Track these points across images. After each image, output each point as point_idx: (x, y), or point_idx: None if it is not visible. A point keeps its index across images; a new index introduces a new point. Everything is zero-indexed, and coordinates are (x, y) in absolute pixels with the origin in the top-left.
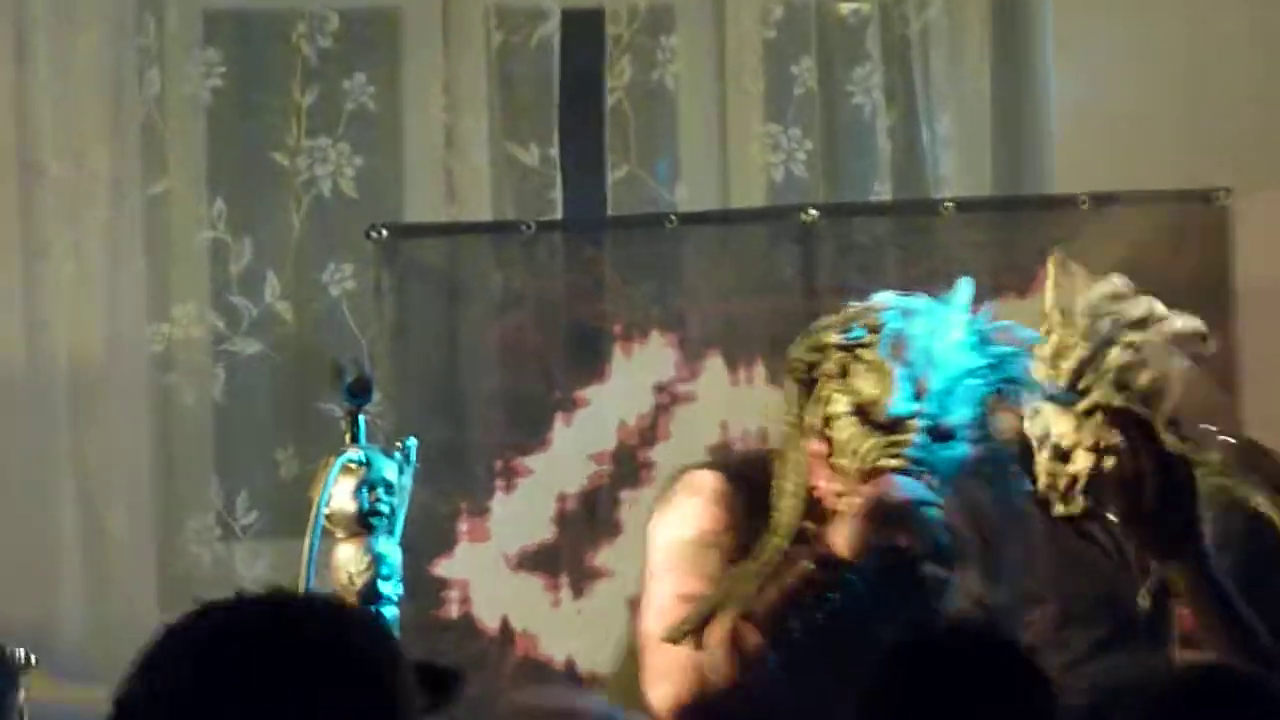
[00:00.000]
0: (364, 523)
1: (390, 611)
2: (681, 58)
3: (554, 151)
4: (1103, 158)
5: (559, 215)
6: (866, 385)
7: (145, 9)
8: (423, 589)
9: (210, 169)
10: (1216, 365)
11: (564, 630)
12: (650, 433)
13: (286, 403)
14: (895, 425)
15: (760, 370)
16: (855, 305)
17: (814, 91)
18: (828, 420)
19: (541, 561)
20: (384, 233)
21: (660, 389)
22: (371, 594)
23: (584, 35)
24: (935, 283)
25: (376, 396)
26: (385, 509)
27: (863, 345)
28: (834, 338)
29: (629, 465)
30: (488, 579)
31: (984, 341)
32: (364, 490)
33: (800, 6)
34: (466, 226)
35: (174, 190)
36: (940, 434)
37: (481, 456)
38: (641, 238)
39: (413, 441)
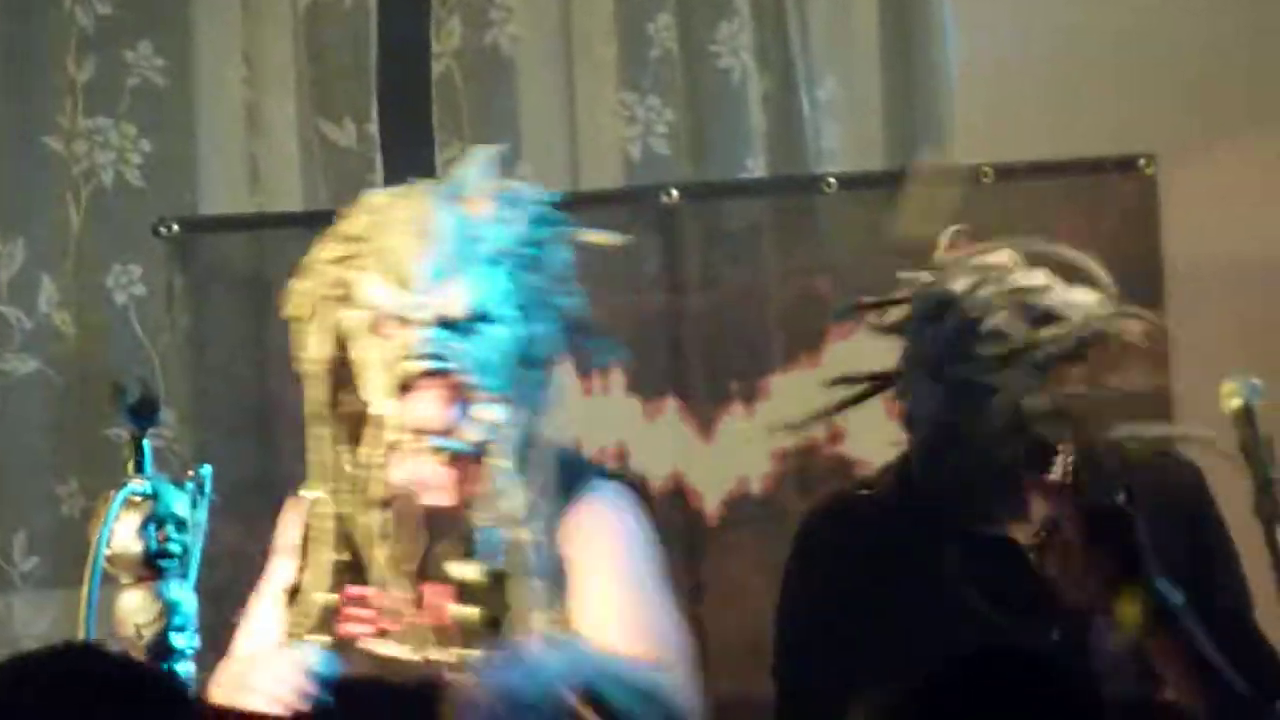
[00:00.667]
0: (152, 565)
1: (186, 669)
2: (519, 16)
3: (373, 129)
4: (1008, 124)
5: None
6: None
7: None
8: (229, 644)
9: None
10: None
11: None
12: None
13: (68, 429)
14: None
15: (618, 377)
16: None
17: (674, 53)
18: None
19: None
20: (176, 228)
21: None
22: (163, 648)
23: None
24: (818, 273)
25: (167, 418)
26: (176, 549)
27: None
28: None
29: None
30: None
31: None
32: (151, 528)
33: None
34: (273, 218)
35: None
36: (451, 323)
37: (294, 487)
38: None
39: (207, 469)
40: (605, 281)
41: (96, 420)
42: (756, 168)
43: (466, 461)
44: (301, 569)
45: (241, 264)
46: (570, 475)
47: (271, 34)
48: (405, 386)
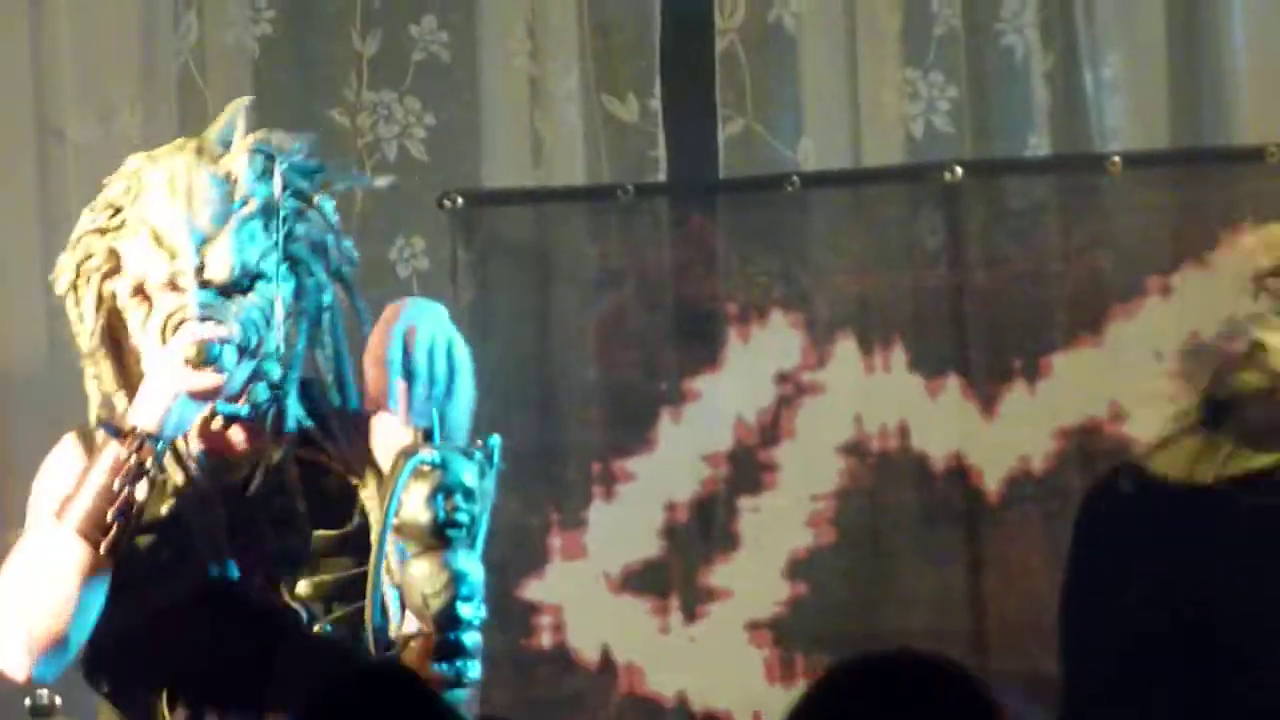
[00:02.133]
0: (440, 535)
1: (472, 639)
2: None
3: (656, 104)
4: None
5: (662, 178)
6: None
7: None
8: (510, 615)
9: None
10: None
11: (674, 661)
12: (772, 430)
13: None
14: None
15: (900, 355)
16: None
17: (958, 30)
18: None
19: (647, 581)
20: (460, 201)
21: (784, 379)
22: (450, 618)
23: None
24: (1102, 251)
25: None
26: (464, 519)
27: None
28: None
29: (748, 468)
30: (585, 602)
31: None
32: (439, 497)
33: None
34: (556, 193)
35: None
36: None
37: (576, 460)
38: (759, 203)
39: (496, 439)
40: (887, 258)
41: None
42: (1040, 145)
43: (244, 427)
44: None
45: (524, 238)
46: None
47: (555, 7)
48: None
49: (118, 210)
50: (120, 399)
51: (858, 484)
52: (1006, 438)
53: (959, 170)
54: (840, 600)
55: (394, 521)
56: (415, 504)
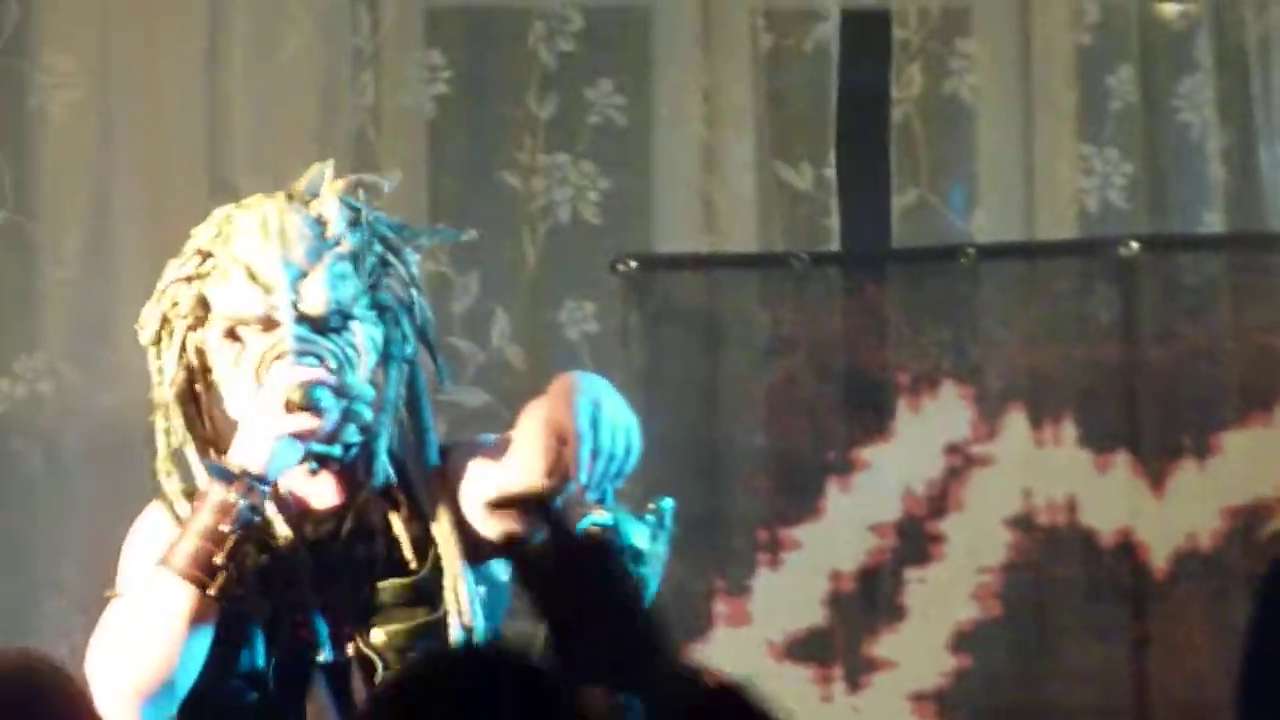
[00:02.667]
0: None
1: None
2: (980, 66)
3: (830, 173)
4: None
5: (835, 247)
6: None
7: (360, 4)
8: None
9: (431, 190)
10: None
11: None
12: (941, 501)
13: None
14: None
15: (1070, 429)
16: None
17: (1135, 106)
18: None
19: (812, 650)
20: (632, 265)
21: (953, 450)
22: None
23: (867, 39)
24: (1275, 330)
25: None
26: None
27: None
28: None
29: (915, 539)
30: (749, 669)
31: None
32: None
33: (1119, 7)
34: (729, 259)
35: (389, 213)
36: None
37: (743, 527)
38: (932, 274)
39: (669, 503)
40: (1059, 332)
41: None
42: (1215, 222)
43: (336, 466)
44: None
45: (695, 303)
46: None
47: (731, 74)
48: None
49: (207, 256)
50: (190, 451)
51: (1025, 558)
52: (1175, 515)
53: (1134, 245)
54: (1004, 673)
55: None
56: None
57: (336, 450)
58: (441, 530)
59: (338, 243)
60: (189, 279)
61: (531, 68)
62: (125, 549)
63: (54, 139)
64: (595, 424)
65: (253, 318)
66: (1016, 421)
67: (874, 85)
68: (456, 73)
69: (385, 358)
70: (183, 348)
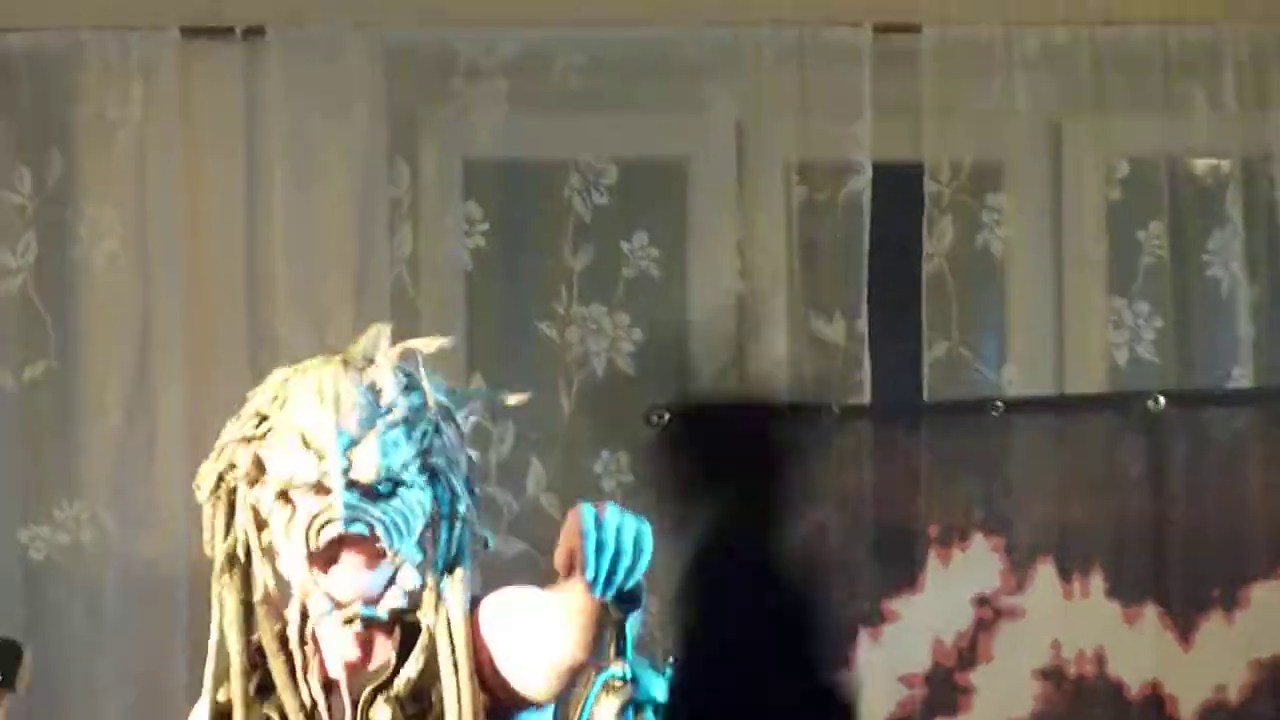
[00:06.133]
0: None
1: None
2: (1011, 220)
3: (862, 325)
4: None
5: (867, 399)
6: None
7: (398, 155)
8: None
9: (468, 340)
10: None
11: None
12: (970, 653)
13: None
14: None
15: (1098, 582)
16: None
17: (1165, 261)
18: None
19: None
20: (666, 416)
21: (982, 602)
22: None
23: (899, 192)
24: None
25: (649, 602)
26: None
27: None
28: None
29: (945, 690)
30: None
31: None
32: (629, 713)
33: (1149, 163)
34: (761, 409)
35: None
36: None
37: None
38: (963, 426)
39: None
40: (1088, 485)
41: None
42: (1243, 377)
43: (380, 630)
44: None
45: (729, 453)
46: None
47: (765, 227)
48: (322, 555)
49: (264, 418)
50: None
51: (1053, 709)
52: (1203, 667)
53: (1162, 400)
54: None
55: None
56: (606, 718)
57: (384, 616)
58: (461, 681)
59: (390, 410)
60: (247, 440)
61: (567, 220)
62: None
63: (95, 289)
64: (600, 523)
65: (304, 483)
66: (1046, 574)
67: (906, 238)
68: (493, 224)
69: (435, 519)
70: (235, 506)
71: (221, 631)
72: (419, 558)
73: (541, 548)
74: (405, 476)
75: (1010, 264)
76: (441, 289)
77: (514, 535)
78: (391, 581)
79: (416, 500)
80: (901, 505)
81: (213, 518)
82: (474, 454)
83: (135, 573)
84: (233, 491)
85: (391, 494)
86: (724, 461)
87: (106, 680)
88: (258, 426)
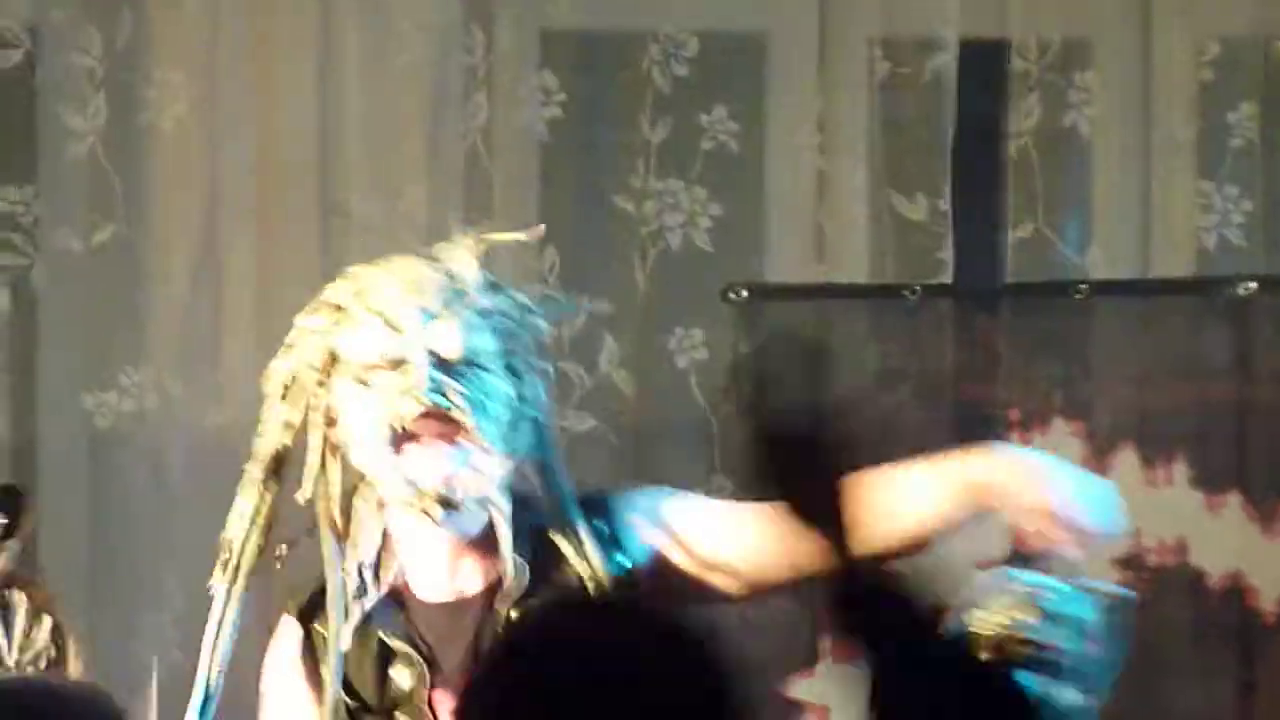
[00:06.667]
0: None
1: None
2: (1099, 99)
3: (944, 205)
4: None
5: (948, 279)
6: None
7: (473, 22)
8: (776, 713)
9: (542, 213)
10: None
11: None
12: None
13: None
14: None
15: (1181, 469)
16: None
17: (1255, 144)
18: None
19: None
20: (743, 294)
21: None
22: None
23: (984, 70)
24: None
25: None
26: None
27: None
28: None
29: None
30: (852, 706)
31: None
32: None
33: (1242, 43)
34: (841, 290)
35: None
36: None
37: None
38: (1045, 309)
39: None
40: (1172, 370)
41: (652, 477)
42: None
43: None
44: None
45: (806, 333)
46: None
47: (846, 103)
48: (402, 436)
49: (339, 308)
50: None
51: None
52: None
53: (1251, 285)
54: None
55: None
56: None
57: (469, 528)
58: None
59: (472, 298)
60: (321, 332)
61: (645, 92)
62: (266, 672)
63: (164, 154)
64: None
65: (384, 358)
66: (1127, 460)
67: (991, 116)
68: (570, 95)
69: (519, 415)
70: (303, 402)
71: (250, 525)
72: (500, 445)
73: (612, 424)
74: (487, 363)
75: (1097, 144)
76: (516, 160)
77: (585, 411)
78: (471, 464)
79: (498, 387)
80: (981, 388)
81: (275, 414)
82: (549, 367)
83: (200, 441)
84: (302, 389)
85: (472, 373)
86: (802, 341)
87: (169, 548)
88: (333, 319)
